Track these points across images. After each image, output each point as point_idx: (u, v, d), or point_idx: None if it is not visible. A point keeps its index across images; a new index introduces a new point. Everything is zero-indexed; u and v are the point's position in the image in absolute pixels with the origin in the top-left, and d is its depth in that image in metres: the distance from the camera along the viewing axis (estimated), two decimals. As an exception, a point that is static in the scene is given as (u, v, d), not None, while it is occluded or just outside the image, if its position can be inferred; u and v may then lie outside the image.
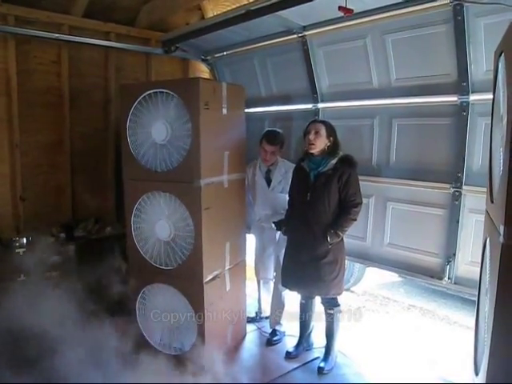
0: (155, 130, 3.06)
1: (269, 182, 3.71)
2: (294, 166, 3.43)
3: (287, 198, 3.45)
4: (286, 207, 3.46)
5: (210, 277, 3.23)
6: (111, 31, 4.35)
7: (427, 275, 3.32)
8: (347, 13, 2.72)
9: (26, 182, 4.09)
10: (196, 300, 3.19)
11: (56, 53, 4.16)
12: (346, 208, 3.09)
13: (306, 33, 3.66)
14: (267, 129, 3.82)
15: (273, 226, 3.55)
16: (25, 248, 3.79)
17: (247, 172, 3.74)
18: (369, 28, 3.26)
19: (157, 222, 3.22)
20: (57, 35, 3.99)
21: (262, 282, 4.02)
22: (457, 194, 3.08)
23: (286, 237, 3.42)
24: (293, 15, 3.38)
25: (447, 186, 3.12)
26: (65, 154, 4.28)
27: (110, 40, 4.34)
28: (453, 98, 3.02)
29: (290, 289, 3.42)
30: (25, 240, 3.83)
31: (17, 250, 3.75)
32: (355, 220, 3.11)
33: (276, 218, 3.58)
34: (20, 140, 4.00)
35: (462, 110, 2.97)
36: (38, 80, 4.10)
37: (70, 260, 3.94)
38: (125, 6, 4.40)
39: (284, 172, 3.65)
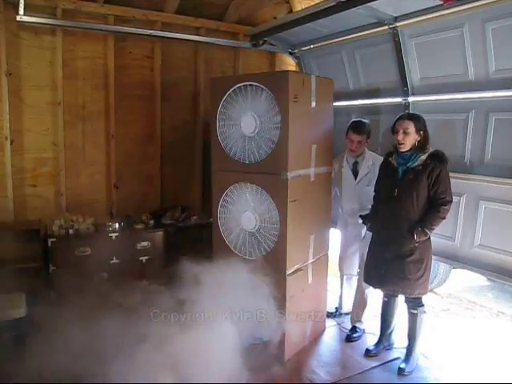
0: (244, 123, 3.13)
1: (356, 174, 3.65)
2: (381, 158, 3.36)
3: (373, 192, 3.38)
4: (372, 202, 3.40)
5: (292, 269, 3.26)
6: (201, 26, 4.51)
7: (521, 281, 3.12)
8: (448, 1, 2.60)
9: (119, 170, 4.37)
10: (278, 291, 3.22)
11: (150, 48, 4.40)
12: (435, 206, 2.97)
13: (398, 24, 3.53)
14: (353, 119, 3.76)
15: (359, 220, 3.49)
16: (117, 233, 4.04)
17: (334, 165, 3.71)
18: (467, 16, 3.07)
19: (243, 213, 3.30)
20: (150, 31, 4.21)
21: (345, 277, 3.99)
22: (559, 194, 2.86)
23: (371, 233, 3.37)
24: (384, 6, 3.29)
25: (547, 185, 2.91)
26: (155, 145, 4.52)
27: (199, 35, 4.50)
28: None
29: (373, 286, 3.35)
30: (117, 225, 4.09)
31: (110, 235, 4.01)
32: (444, 218, 2.99)
33: (362, 212, 3.53)
34: (115, 131, 4.27)
35: None
36: (132, 74, 4.37)
37: (158, 245, 4.14)
38: (214, 2, 4.54)
39: (371, 164, 3.57)
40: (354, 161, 3.65)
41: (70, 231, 3.94)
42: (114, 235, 4.02)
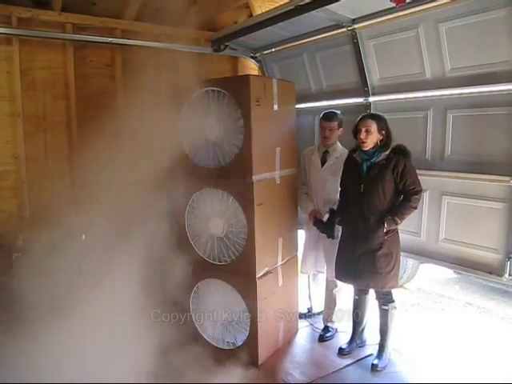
0: (208, 128, 3.12)
1: (324, 163, 3.66)
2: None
3: (339, 189, 3.43)
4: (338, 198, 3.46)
5: (262, 272, 3.27)
6: (162, 33, 4.46)
7: (485, 271, 3.18)
8: (400, 3, 2.66)
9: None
10: (249, 295, 3.24)
11: (110, 56, 4.32)
12: (407, 196, 3.05)
13: (356, 26, 3.58)
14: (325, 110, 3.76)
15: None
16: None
17: (304, 155, 3.76)
18: (421, 17, 3.16)
19: (210, 219, 3.29)
20: (111, 39, 4.15)
21: (311, 277, 4.03)
22: (517, 186, 2.94)
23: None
24: (342, 8, 3.33)
25: (507, 178, 2.97)
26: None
27: (160, 42, 4.45)
28: (512, 87, 2.90)
29: (345, 282, 3.39)
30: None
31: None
32: (416, 208, 3.06)
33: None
34: (78, 141, 4.19)
35: (522, 98, 2.84)
36: (93, 83, 4.28)
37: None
38: (174, 8, 4.48)
39: (339, 154, 3.59)
40: (325, 150, 3.67)
41: (35, 245, 3.83)
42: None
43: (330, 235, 3.51)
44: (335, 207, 3.51)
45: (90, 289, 3.38)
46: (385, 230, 3.05)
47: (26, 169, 3.99)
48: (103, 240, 3.77)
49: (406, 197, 3.06)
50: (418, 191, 3.05)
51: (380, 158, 3.07)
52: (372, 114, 3.24)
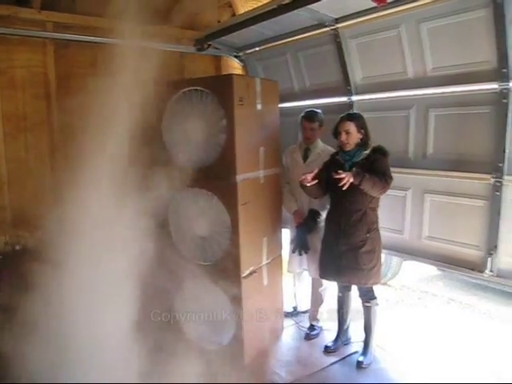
0: (190, 128, 3.10)
1: (306, 159, 3.68)
2: (331, 149, 3.48)
3: None
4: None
5: (247, 272, 3.27)
6: (144, 32, 4.40)
7: (467, 268, 3.24)
8: (381, 3, 2.68)
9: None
10: (234, 295, 3.23)
11: (92, 55, 4.26)
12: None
13: (338, 25, 3.61)
14: (306, 110, 3.74)
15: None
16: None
17: (286, 154, 3.79)
18: (403, 17, 3.19)
19: (194, 218, 3.27)
20: (92, 38, 4.09)
21: (296, 275, 4.04)
22: (498, 184, 2.98)
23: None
24: (324, 8, 3.34)
25: (487, 176, 3.03)
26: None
27: (143, 40, 4.40)
28: (493, 86, 2.93)
29: (328, 279, 3.42)
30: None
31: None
32: (381, 188, 2.97)
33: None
34: (58, 141, 4.13)
35: (503, 97, 2.88)
36: (75, 83, 4.21)
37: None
38: (157, 7, 4.45)
39: (321, 150, 3.61)
40: (306, 147, 3.69)
41: (17, 247, 3.78)
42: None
43: (305, 246, 3.58)
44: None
45: (75, 293, 3.33)
46: (343, 175, 2.87)
47: (6, 169, 3.92)
48: (84, 240, 3.75)
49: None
50: (390, 177, 3.02)
51: (360, 158, 3.12)
52: (350, 115, 3.23)
